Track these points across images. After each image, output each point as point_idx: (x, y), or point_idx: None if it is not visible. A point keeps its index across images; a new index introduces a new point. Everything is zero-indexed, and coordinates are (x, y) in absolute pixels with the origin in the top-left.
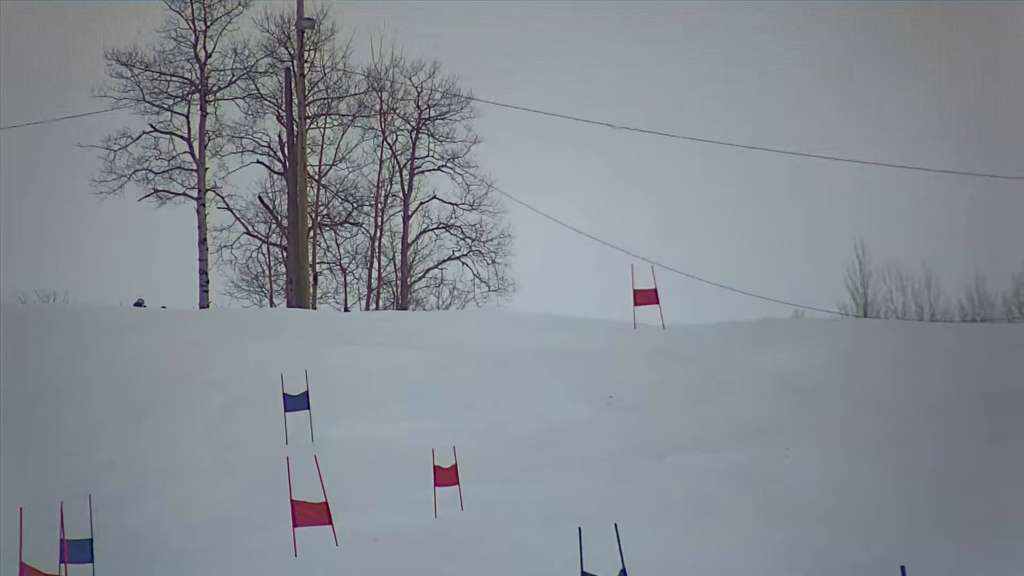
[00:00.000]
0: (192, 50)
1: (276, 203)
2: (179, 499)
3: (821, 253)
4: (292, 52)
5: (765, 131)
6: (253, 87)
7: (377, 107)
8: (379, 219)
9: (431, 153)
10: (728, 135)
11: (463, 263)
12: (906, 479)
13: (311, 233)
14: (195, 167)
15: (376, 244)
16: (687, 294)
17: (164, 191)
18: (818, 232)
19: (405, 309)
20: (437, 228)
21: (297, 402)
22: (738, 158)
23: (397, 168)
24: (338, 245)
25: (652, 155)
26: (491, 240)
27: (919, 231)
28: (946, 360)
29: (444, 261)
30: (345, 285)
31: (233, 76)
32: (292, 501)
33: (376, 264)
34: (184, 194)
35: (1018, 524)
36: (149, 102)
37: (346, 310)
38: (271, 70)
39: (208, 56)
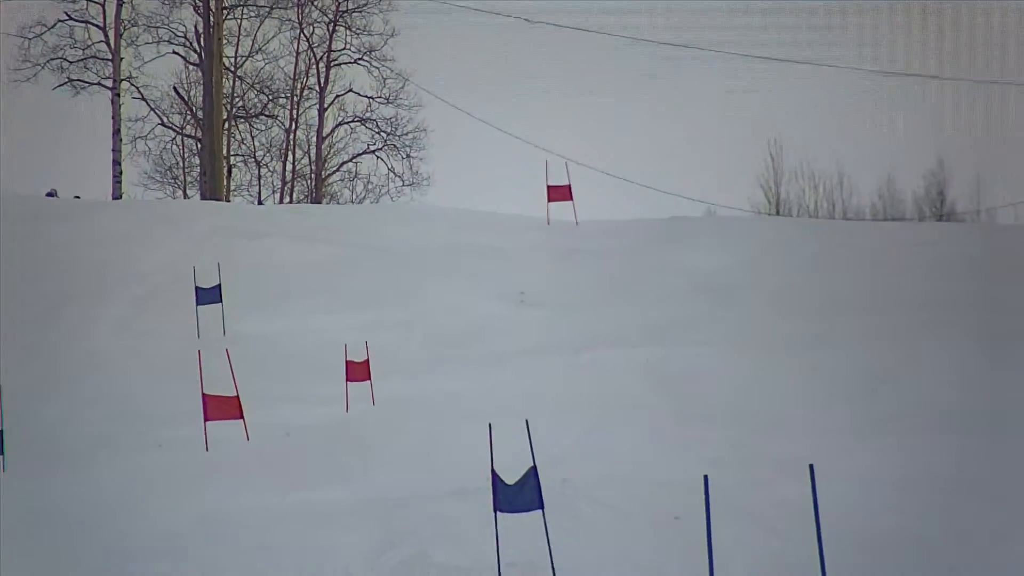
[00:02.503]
0: None
1: (191, 94)
2: (90, 392)
3: (734, 152)
4: None
5: (682, 29)
6: None
7: None
8: (294, 112)
9: (348, 46)
10: (645, 32)
11: (378, 157)
12: (818, 377)
13: (226, 125)
14: (110, 57)
15: (291, 137)
16: (601, 192)
17: (79, 80)
18: (731, 131)
19: (319, 203)
20: (352, 121)
21: (209, 295)
22: (654, 56)
23: (313, 61)
24: (253, 137)
25: (568, 51)
26: (406, 134)
27: (832, 130)
28: (858, 259)
29: (359, 155)
30: (259, 178)
31: None
32: (204, 395)
33: (291, 157)
34: (99, 84)
35: (930, 419)
36: None
37: (260, 203)
38: None
39: None
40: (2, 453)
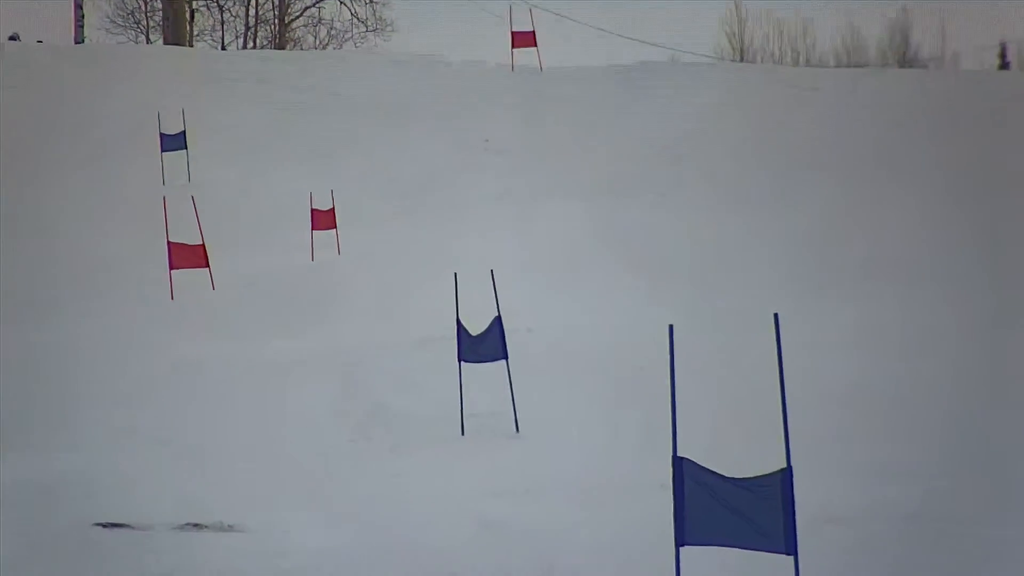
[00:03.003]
0: None
1: None
2: (56, 241)
3: None
4: None
5: None
6: None
7: None
8: None
9: None
10: None
11: (341, 2)
12: (778, 230)
13: None
14: None
15: None
16: (566, 38)
17: None
18: None
19: (283, 48)
20: None
21: (174, 142)
22: None
23: None
24: None
25: None
26: None
27: None
28: (822, 107)
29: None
30: (223, 23)
31: None
32: (169, 243)
33: (254, 1)
34: None
35: (891, 266)
36: None
37: (223, 48)
38: None
39: None
40: None
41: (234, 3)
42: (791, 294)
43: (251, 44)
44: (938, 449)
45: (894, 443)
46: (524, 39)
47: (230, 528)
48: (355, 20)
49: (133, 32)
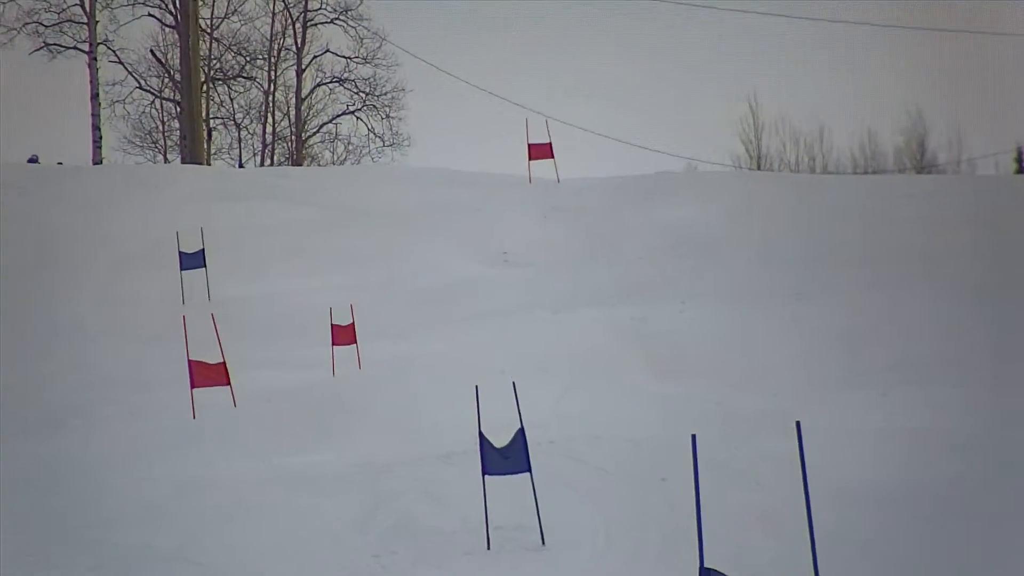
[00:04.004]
0: None
1: (168, 57)
2: (76, 358)
3: (714, 107)
4: None
5: None
6: None
7: None
8: (272, 73)
9: (324, 5)
10: None
11: (357, 117)
12: (801, 332)
13: (204, 87)
14: (86, 20)
15: (270, 99)
16: (582, 149)
17: (55, 45)
18: (711, 85)
19: (300, 164)
20: (331, 82)
21: (193, 260)
22: (633, 12)
23: (290, 21)
24: (232, 100)
25: (547, 8)
26: (385, 94)
27: (811, 84)
28: (839, 212)
29: (338, 116)
30: (239, 140)
31: None
32: (189, 361)
33: (270, 119)
34: (75, 48)
35: (915, 370)
36: None
37: (241, 166)
38: None
39: None
40: None
41: (251, 121)
42: (815, 397)
43: (268, 161)
44: (965, 553)
45: (922, 549)
46: (541, 151)
47: None
48: (372, 135)
49: (151, 152)
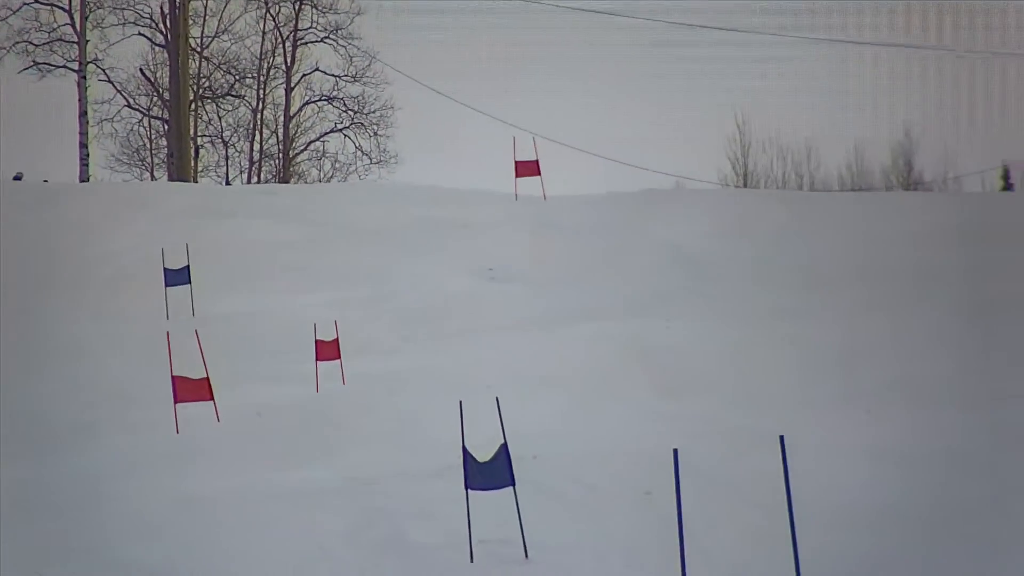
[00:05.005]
0: None
1: (158, 76)
2: (60, 376)
3: (701, 125)
4: None
5: (648, 2)
6: None
7: None
8: (261, 91)
9: (314, 24)
10: (611, 6)
11: (345, 135)
12: (793, 350)
13: (193, 106)
14: (76, 39)
15: (258, 117)
16: (570, 167)
17: (44, 63)
18: (698, 104)
19: (287, 182)
20: (319, 100)
21: (178, 276)
22: (621, 29)
23: (280, 40)
24: (220, 118)
25: (535, 26)
26: (373, 112)
27: (798, 101)
28: (827, 230)
29: (326, 134)
30: (227, 158)
31: None
32: (173, 377)
33: (258, 137)
34: (65, 67)
35: (907, 389)
36: None
37: (227, 183)
38: None
39: None
40: None
41: (239, 139)
42: (804, 414)
43: (255, 179)
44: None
45: (911, 569)
46: (528, 168)
47: None
48: (359, 153)
49: (138, 170)
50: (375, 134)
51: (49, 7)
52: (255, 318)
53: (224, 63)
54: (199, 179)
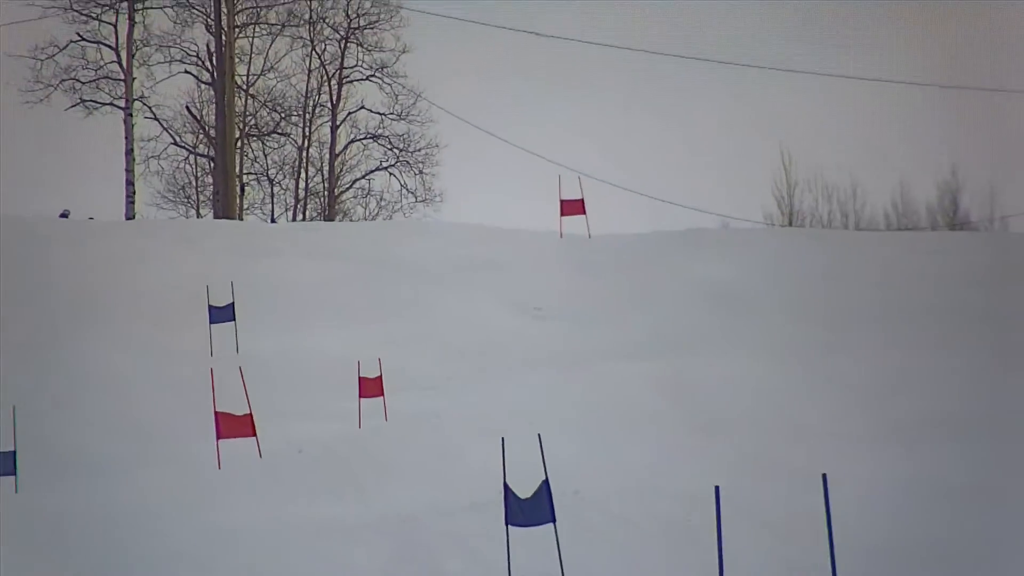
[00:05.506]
0: None
1: (204, 113)
2: (105, 411)
3: (746, 164)
4: None
5: (694, 41)
6: None
7: (306, 16)
8: (307, 129)
9: (360, 63)
10: (658, 45)
11: (390, 173)
12: (831, 386)
13: (238, 143)
14: (122, 77)
15: (304, 154)
16: (615, 206)
17: (91, 101)
18: (743, 143)
19: (332, 220)
20: (365, 138)
21: (222, 314)
22: (667, 68)
23: (326, 78)
24: (265, 156)
25: (579, 65)
26: (419, 150)
27: (844, 140)
28: (872, 269)
29: (372, 171)
30: (272, 196)
31: None
32: (216, 413)
33: (303, 175)
34: (111, 104)
35: (940, 428)
36: (77, 11)
37: (273, 221)
38: None
39: None
40: (15, 473)
41: (284, 176)
42: (842, 449)
43: (301, 216)
44: None
45: None
46: (573, 207)
47: None
48: (404, 191)
49: (184, 207)
50: (420, 172)
51: (96, 45)
52: (299, 355)
53: (270, 101)
54: (244, 217)
